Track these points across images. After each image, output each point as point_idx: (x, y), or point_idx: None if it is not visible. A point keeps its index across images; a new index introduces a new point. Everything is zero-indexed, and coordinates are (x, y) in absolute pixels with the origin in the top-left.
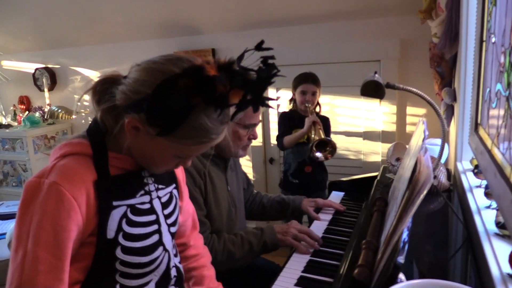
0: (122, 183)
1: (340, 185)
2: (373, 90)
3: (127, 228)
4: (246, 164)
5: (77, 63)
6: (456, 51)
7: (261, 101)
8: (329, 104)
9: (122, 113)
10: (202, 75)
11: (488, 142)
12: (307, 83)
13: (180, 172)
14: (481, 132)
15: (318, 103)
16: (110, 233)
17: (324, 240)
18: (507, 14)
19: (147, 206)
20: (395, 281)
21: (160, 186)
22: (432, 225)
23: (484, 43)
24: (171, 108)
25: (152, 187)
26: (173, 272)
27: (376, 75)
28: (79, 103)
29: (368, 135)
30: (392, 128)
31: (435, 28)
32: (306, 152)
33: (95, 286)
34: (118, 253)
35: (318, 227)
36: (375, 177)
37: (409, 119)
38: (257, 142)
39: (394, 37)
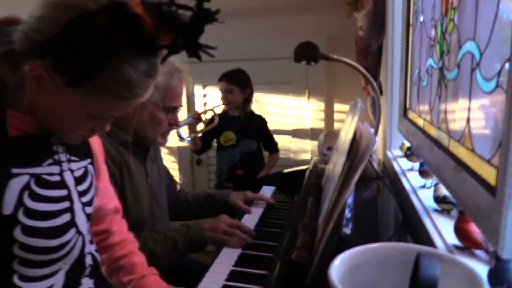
0: (23, 147)
1: (270, 180)
2: (308, 53)
3: (29, 203)
4: (171, 166)
5: None
6: (382, 41)
7: (196, 46)
8: (258, 102)
9: (22, 60)
10: (126, 11)
11: (420, 122)
12: (221, 81)
13: (97, 146)
14: (411, 115)
15: (249, 100)
16: (7, 207)
17: (257, 233)
18: None
19: (56, 178)
20: None
21: (73, 158)
22: (362, 213)
23: (411, 27)
24: (85, 50)
25: (63, 157)
26: (88, 260)
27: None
28: None
29: (297, 133)
30: (321, 125)
31: (361, 20)
32: (236, 155)
33: None
34: (17, 234)
35: (250, 221)
36: (306, 170)
37: (336, 116)
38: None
39: (320, 34)
